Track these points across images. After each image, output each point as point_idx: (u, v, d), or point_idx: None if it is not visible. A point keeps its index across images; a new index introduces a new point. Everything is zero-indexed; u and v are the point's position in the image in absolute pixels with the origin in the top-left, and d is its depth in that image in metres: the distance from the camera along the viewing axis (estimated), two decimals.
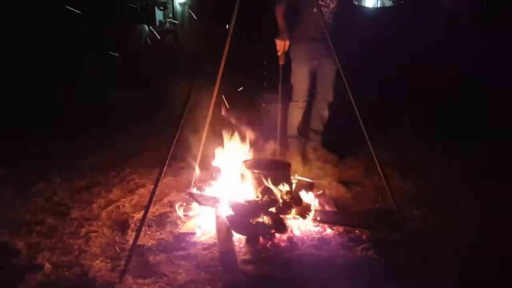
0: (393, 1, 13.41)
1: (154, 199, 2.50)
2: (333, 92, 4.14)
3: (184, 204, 3.15)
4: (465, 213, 3.06)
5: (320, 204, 3.18)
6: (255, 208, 2.83)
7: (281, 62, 3.92)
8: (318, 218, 2.94)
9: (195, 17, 13.60)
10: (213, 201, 2.99)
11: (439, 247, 2.61)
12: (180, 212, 3.06)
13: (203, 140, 3.17)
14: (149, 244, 2.70)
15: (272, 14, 3.89)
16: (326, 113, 4.25)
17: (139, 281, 2.29)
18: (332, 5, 3.86)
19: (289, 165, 3.29)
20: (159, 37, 13.53)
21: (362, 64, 5.68)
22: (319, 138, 4.34)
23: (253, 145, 3.27)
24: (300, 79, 4.11)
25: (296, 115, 4.22)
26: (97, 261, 2.48)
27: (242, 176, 3.10)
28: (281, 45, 3.88)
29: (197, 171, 3.28)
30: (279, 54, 3.91)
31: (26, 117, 5.47)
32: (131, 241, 2.62)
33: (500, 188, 3.39)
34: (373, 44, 7.62)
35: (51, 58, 7.49)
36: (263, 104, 3.11)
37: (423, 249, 2.58)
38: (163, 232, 2.87)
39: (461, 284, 2.26)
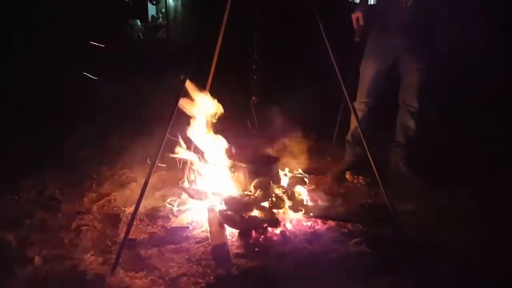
0: None
1: (146, 193, 2.48)
2: (417, 97, 3.50)
3: (176, 198, 3.14)
4: (457, 207, 3.07)
5: (313, 198, 3.18)
6: (248, 202, 2.82)
7: (356, 39, 3.51)
8: (311, 213, 2.94)
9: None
10: (206, 195, 2.98)
11: (431, 242, 2.63)
12: (174, 207, 3.05)
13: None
14: (141, 237, 2.68)
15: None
16: (411, 123, 3.58)
17: (130, 274, 2.27)
18: None
19: (277, 159, 3.27)
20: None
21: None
22: (402, 152, 3.70)
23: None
24: (362, 76, 3.59)
25: (353, 117, 3.59)
26: (88, 255, 2.46)
27: (235, 170, 3.09)
28: (353, 18, 3.46)
29: (189, 164, 3.27)
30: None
31: (17, 110, 5.41)
32: (122, 234, 2.58)
33: (493, 181, 3.41)
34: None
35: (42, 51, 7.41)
36: (253, 98, 3.06)
37: (415, 244, 2.59)
38: (155, 226, 2.85)
39: (453, 277, 2.27)
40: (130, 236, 2.48)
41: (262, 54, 3.02)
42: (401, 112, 3.64)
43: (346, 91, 2.84)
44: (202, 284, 2.20)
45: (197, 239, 2.66)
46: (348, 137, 3.79)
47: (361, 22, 3.42)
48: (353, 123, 3.64)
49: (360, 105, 3.58)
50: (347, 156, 3.83)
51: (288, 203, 2.91)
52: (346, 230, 2.80)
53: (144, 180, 2.45)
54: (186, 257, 2.46)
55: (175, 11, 15.85)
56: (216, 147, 3.12)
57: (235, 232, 2.72)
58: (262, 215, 2.76)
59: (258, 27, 2.95)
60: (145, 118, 5.07)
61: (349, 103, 2.92)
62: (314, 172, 3.73)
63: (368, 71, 3.53)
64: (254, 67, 3.03)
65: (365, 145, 2.79)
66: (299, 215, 2.91)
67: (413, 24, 3.28)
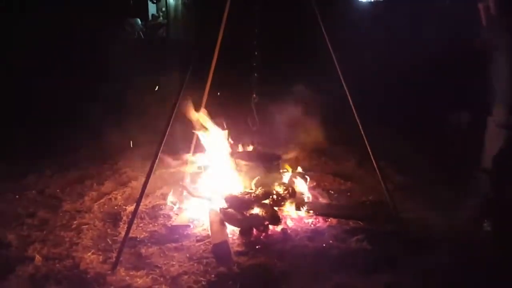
0: None
1: (146, 191, 2.48)
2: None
3: (177, 196, 3.13)
4: (457, 204, 3.05)
5: (314, 196, 3.17)
6: (249, 200, 2.82)
7: (487, 35, 2.70)
8: (312, 210, 2.93)
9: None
10: (207, 193, 2.98)
11: (432, 238, 2.61)
12: (175, 206, 3.04)
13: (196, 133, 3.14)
14: (142, 236, 2.68)
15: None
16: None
17: (131, 273, 2.27)
18: None
19: (279, 157, 3.25)
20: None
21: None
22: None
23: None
24: (500, 79, 2.65)
25: (491, 137, 2.75)
26: (89, 253, 2.45)
27: (235, 168, 3.08)
28: (481, 8, 2.67)
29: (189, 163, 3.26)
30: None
31: (18, 110, 5.40)
32: (123, 233, 2.58)
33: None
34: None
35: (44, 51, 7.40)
36: (254, 95, 3.05)
37: (416, 240, 2.58)
38: (156, 224, 2.85)
39: (453, 273, 2.27)
40: (130, 235, 2.49)
41: (263, 52, 3.01)
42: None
43: (349, 95, 2.76)
44: (203, 282, 2.19)
45: (198, 237, 2.66)
46: (485, 163, 2.79)
47: (493, 11, 2.61)
48: (491, 145, 2.75)
49: (502, 121, 2.68)
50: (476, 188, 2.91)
51: (289, 200, 2.90)
52: (347, 227, 2.79)
53: (144, 178, 2.45)
54: (187, 255, 2.45)
55: (176, 9, 15.81)
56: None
57: (236, 230, 2.71)
58: (263, 213, 2.75)
59: (258, 25, 2.94)
60: (146, 117, 5.07)
61: (348, 97, 2.82)
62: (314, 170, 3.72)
63: (505, 73, 2.64)
64: (255, 64, 3.02)
65: (366, 143, 2.77)
66: (301, 212, 2.90)
67: None
